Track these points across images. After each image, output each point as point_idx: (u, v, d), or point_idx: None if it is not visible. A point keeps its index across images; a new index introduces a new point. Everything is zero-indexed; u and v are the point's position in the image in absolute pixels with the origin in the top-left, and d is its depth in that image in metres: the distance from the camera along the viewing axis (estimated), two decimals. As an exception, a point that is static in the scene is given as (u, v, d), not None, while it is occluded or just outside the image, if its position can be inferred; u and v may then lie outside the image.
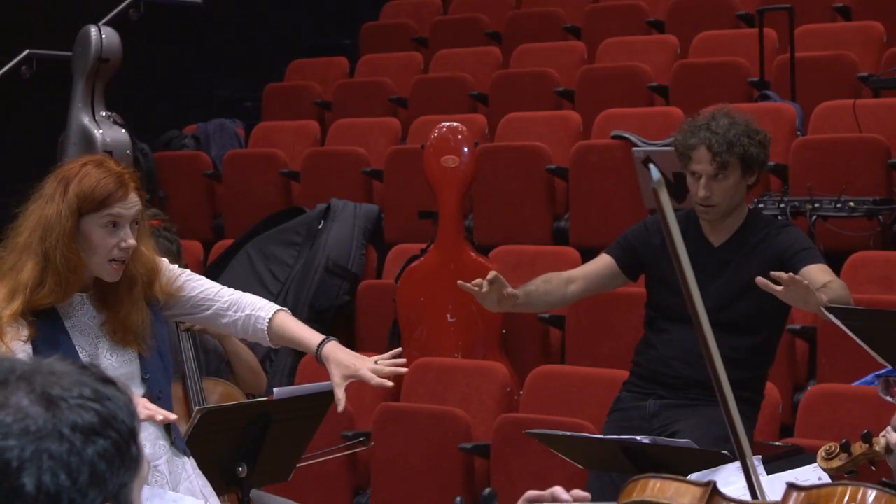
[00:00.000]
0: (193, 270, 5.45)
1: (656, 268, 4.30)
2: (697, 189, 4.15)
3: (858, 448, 2.65)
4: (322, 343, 3.45)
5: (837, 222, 6.04)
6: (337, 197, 7.30)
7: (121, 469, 1.37)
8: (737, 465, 2.71)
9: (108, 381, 1.41)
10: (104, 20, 9.04)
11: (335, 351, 3.43)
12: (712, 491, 1.92)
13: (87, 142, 8.16)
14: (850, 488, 1.81)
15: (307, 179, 7.82)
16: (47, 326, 3.32)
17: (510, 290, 4.03)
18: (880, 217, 6.02)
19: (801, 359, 5.70)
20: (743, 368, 4.18)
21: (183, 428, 3.68)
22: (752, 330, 4.15)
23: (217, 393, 4.55)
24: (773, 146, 6.66)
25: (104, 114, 8.22)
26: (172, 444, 3.47)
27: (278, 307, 3.57)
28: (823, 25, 7.95)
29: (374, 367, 3.40)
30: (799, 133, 6.78)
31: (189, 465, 3.50)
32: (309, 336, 3.52)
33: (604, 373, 5.40)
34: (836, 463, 2.66)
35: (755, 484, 1.99)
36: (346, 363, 3.42)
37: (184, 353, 4.57)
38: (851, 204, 5.95)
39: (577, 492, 2.18)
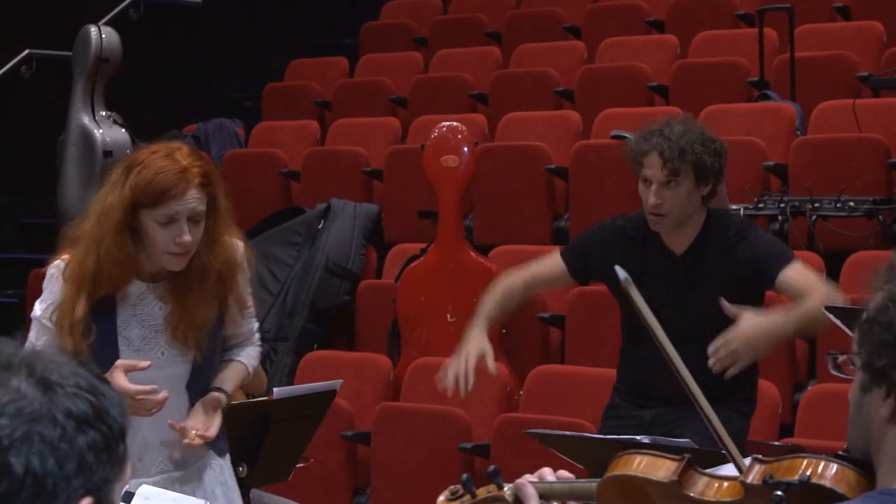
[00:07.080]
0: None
1: (618, 292, 4.20)
2: (648, 196, 4.08)
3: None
4: None
5: (837, 222, 6.04)
6: (337, 197, 7.29)
7: (107, 464, 1.38)
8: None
9: (103, 379, 1.43)
10: (104, 20, 9.04)
11: None
12: (686, 464, 1.99)
13: (87, 142, 8.15)
14: (808, 460, 1.84)
15: (307, 179, 7.81)
16: (100, 317, 3.23)
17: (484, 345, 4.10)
18: (880, 217, 6.01)
19: (801, 359, 5.70)
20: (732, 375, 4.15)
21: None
22: None
23: (217, 393, 4.55)
24: (773, 146, 6.70)
25: (104, 114, 8.22)
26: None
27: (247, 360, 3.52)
28: (823, 25, 7.95)
29: None
30: (799, 133, 6.77)
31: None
32: None
33: (604, 373, 5.39)
34: None
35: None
36: None
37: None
38: (851, 204, 5.95)
39: (563, 472, 2.27)
